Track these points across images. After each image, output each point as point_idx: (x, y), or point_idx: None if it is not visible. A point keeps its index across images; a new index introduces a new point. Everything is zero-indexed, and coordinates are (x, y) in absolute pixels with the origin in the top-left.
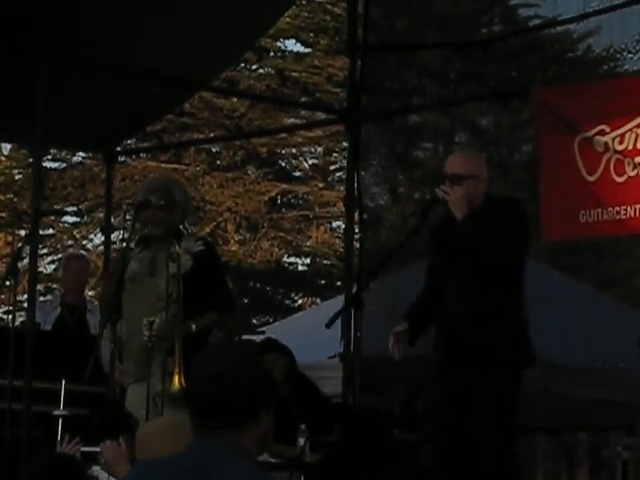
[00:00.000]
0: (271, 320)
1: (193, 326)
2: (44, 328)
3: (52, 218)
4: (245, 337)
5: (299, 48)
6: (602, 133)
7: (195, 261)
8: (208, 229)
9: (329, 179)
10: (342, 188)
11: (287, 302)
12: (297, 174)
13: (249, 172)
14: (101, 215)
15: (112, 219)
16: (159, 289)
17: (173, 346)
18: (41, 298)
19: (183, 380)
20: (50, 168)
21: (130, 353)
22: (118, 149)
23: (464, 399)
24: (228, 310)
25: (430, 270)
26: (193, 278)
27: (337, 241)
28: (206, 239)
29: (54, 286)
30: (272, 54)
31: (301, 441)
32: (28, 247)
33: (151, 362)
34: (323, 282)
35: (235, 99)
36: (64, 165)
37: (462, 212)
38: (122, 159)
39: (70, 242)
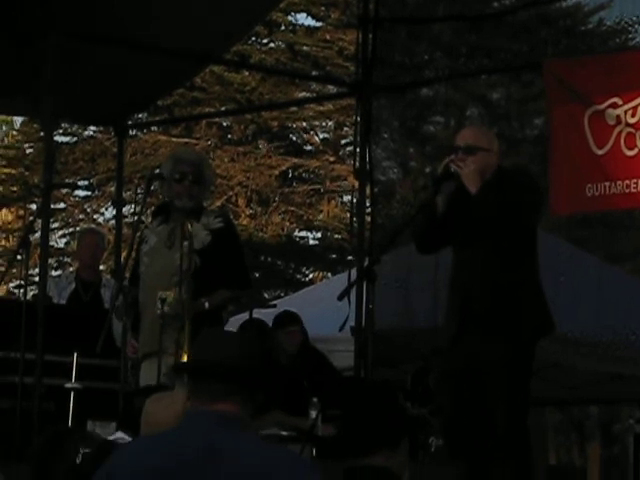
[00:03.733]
0: (282, 294)
1: (206, 304)
2: (58, 302)
3: (63, 192)
4: (257, 311)
5: (310, 22)
6: (614, 106)
7: (213, 237)
8: (219, 203)
9: (340, 153)
10: (356, 161)
11: (298, 276)
12: (308, 148)
13: (260, 146)
14: (112, 189)
15: (123, 193)
16: (176, 263)
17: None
18: (53, 272)
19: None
20: (61, 142)
21: (144, 326)
22: (129, 123)
23: (479, 369)
24: (243, 288)
25: None
26: (210, 254)
27: (348, 215)
28: (226, 216)
29: (66, 260)
30: (283, 28)
31: (313, 414)
32: (39, 221)
33: (163, 337)
34: (334, 256)
35: (246, 73)
36: (75, 139)
37: (476, 186)
38: (133, 133)
39: (81, 216)
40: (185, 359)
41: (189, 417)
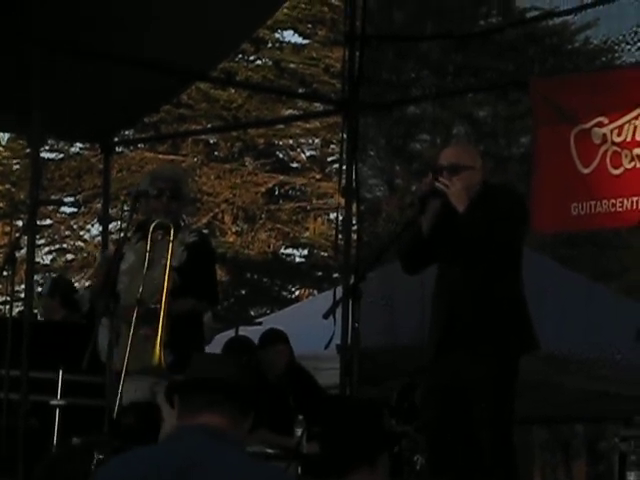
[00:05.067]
0: (268, 311)
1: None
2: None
3: (49, 208)
4: (243, 329)
5: (296, 39)
6: (600, 125)
7: (188, 252)
8: (205, 220)
9: (326, 170)
10: (343, 179)
11: (284, 293)
12: (294, 165)
13: (246, 163)
14: (98, 206)
15: (110, 210)
16: (155, 282)
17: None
18: (38, 289)
19: (162, 359)
20: (48, 159)
21: (126, 345)
22: (116, 140)
23: (464, 386)
24: (211, 304)
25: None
26: (187, 271)
27: (334, 232)
28: (201, 232)
29: (52, 276)
30: (270, 45)
31: (298, 432)
32: (25, 237)
33: (147, 355)
34: (320, 274)
35: (232, 90)
36: (61, 156)
37: (463, 204)
38: (119, 150)
39: (67, 233)
40: (156, 357)
41: (176, 431)
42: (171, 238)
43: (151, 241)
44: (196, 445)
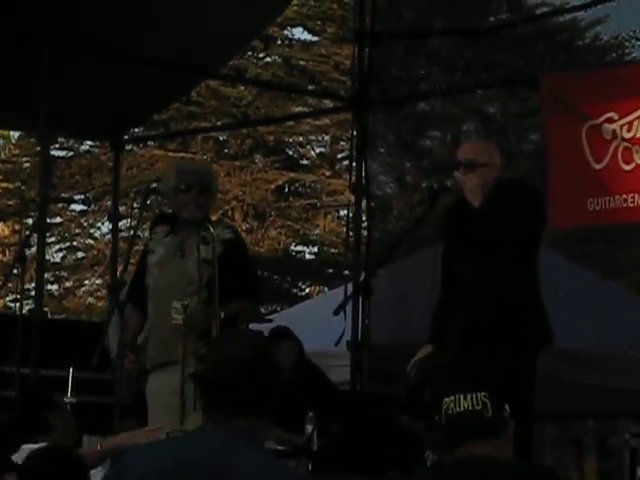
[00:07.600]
0: (278, 309)
1: (222, 314)
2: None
3: (59, 206)
4: (253, 326)
5: (306, 36)
6: (610, 121)
7: (225, 248)
8: (215, 217)
9: (336, 167)
10: (353, 176)
11: (294, 291)
12: (304, 162)
13: (256, 160)
14: (108, 203)
15: (119, 207)
16: (188, 272)
17: (203, 331)
18: (48, 287)
19: None
20: (58, 156)
21: (158, 337)
22: (125, 137)
23: None
24: (254, 299)
25: (446, 262)
26: (223, 264)
27: (344, 229)
28: (234, 227)
29: (62, 274)
30: (279, 42)
31: (309, 428)
32: (36, 235)
33: (180, 347)
34: (330, 271)
35: (242, 87)
36: (71, 154)
37: (478, 200)
38: (129, 147)
39: (77, 230)
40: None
41: (200, 428)
42: (213, 231)
43: (182, 235)
44: (222, 444)
